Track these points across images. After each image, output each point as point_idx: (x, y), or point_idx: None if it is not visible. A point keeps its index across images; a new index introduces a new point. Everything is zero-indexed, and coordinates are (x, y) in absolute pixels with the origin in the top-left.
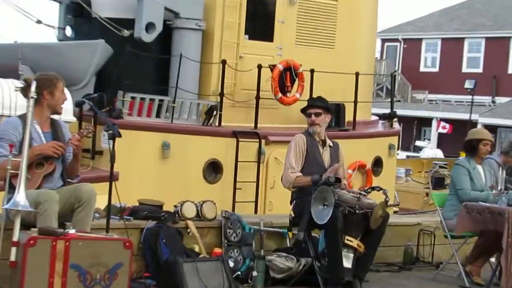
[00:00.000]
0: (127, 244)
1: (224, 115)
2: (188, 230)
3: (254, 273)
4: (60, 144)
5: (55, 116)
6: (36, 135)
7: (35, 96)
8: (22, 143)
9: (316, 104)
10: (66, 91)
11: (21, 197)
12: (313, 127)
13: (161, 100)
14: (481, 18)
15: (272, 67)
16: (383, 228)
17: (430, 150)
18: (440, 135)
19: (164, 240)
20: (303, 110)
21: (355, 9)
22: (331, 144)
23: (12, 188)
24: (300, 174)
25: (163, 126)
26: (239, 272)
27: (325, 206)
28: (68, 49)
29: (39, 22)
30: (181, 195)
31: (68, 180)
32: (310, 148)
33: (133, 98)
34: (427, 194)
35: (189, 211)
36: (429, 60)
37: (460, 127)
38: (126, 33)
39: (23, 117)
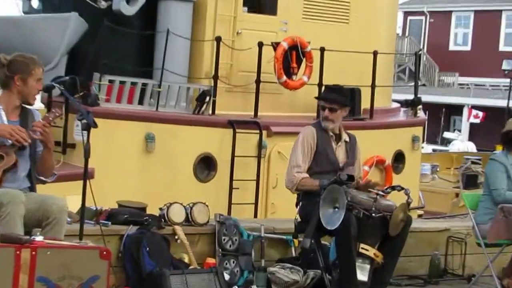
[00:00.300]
0: (104, 253)
1: (218, 102)
2: (176, 237)
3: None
4: (22, 129)
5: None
6: (0, 123)
7: None
8: None
9: (330, 98)
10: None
11: None
12: (325, 122)
13: (144, 84)
14: None
15: (275, 45)
16: (404, 234)
17: (460, 143)
18: (472, 125)
19: (147, 249)
20: (317, 98)
21: None
22: (347, 139)
23: None
24: (307, 175)
25: (147, 114)
26: (235, 287)
27: (336, 209)
28: (35, 23)
29: None
30: (167, 196)
31: (41, 178)
32: (320, 143)
33: (111, 81)
34: (457, 195)
35: (177, 214)
36: (460, 37)
37: (496, 115)
38: (103, 4)
39: None
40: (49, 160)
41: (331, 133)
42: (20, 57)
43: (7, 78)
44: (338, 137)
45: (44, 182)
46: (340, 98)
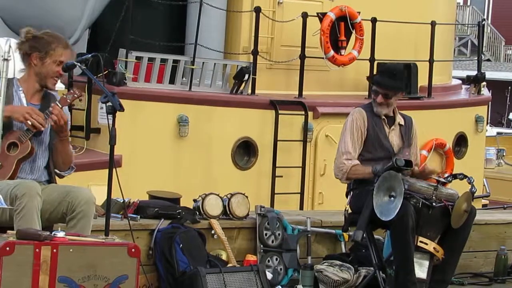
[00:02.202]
0: (133, 250)
1: (258, 80)
2: (213, 232)
3: (300, 287)
4: (39, 113)
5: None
6: (19, 105)
7: (9, 58)
8: None
9: (385, 84)
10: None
11: None
12: (378, 107)
13: (175, 61)
14: None
15: (321, 16)
16: (468, 227)
17: None
18: None
19: (180, 245)
20: (370, 82)
21: None
22: (401, 122)
23: None
24: (358, 162)
25: (179, 95)
26: (279, 286)
27: (392, 198)
28: None
29: None
30: (203, 186)
31: (58, 172)
32: (372, 127)
33: (138, 58)
34: None
35: (214, 207)
36: None
37: None
38: None
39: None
40: (64, 151)
41: (383, 116)
42: (45, 34)
43: (25, 55)
44: (392, 120)
45: (60, 176)
46: (395, 84)
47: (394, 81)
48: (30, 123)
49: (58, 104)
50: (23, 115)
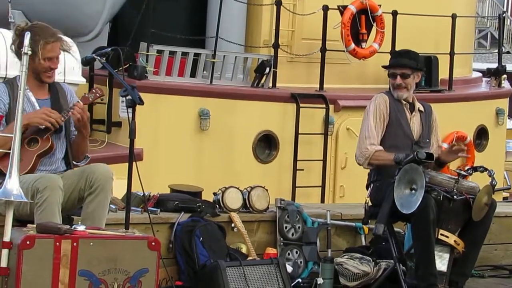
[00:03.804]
0: (153, 243)
1: (279, 73)
2: (233, 225)
3: (320, 280)
4: (53, 111)
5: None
6: (29, 105)
7: (29, 52)
8: (9, 115)
9: (402, 63)
10: (62, 55)
11: (13, 184)
12: (398, 91)
13: (196, 55)
14: None
15: (342, 9)
16: (488, 220)
17: None
18: None
19: (201, 239)
20: (386, 67)
21: None
22: (421, 108)
23: (1, 174)
24: (381, 148)
25: (200, 88)
26: (299, 279)
27: (413, 191)
28: None
29: None
30: (223, 179)
31: (74, 162)
32: (394, 113)
33: (159, 52)
34: None
35: (234, 200)
36: None
37: None
38: None
39: (10, 82)
40: (83, 143)
41: (404, 102)
42: (33, 27)
43: (17, 53)
44: (412, 107)
45: (76, 166)
46: (411, 62)
47: (411, 59)
48: (50, 124)
49: (80, 102)
50: (42, 119)
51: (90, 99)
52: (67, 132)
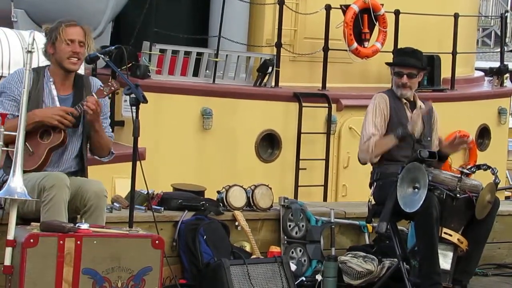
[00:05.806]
0: (157, 242)
1: (282, 73)
2: (236, 224)
3: (319, 277)
4: (71, 110)
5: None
6: (49, 99)
7: (32, 50)
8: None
9: (410, 63)
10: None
11: (17, 182)
12: (402, 90)
13: (199, 54)
14: None
15: (345, 8)
16: (491, 218)
17: None
18: None
19: (204, 237)
20: (391, 65)
21: None
22: (422, 106)
23: (9, 167)
24: (378, 136)
25: (203, 87)
26: (303, 278)
27: (416, 189)
28: None
29: None
30: (226, 178)
31: (98, 158)
32: (394, 111)
33: (162, 51)
34: None
35: (237, 198)
36: None
37: None
38: None
39: (38, 70)
40: (100, 139)
41: (404, 101)
42: (53, 23)
43: (44, 51)
44: (413, 105)
45: (100, 161)
46: (418, 63)
47: (417, 60)
48: (62, 125)
49: (94, 96)
50: (55, 119)
51: (105, 93)
52: (84, 129)
